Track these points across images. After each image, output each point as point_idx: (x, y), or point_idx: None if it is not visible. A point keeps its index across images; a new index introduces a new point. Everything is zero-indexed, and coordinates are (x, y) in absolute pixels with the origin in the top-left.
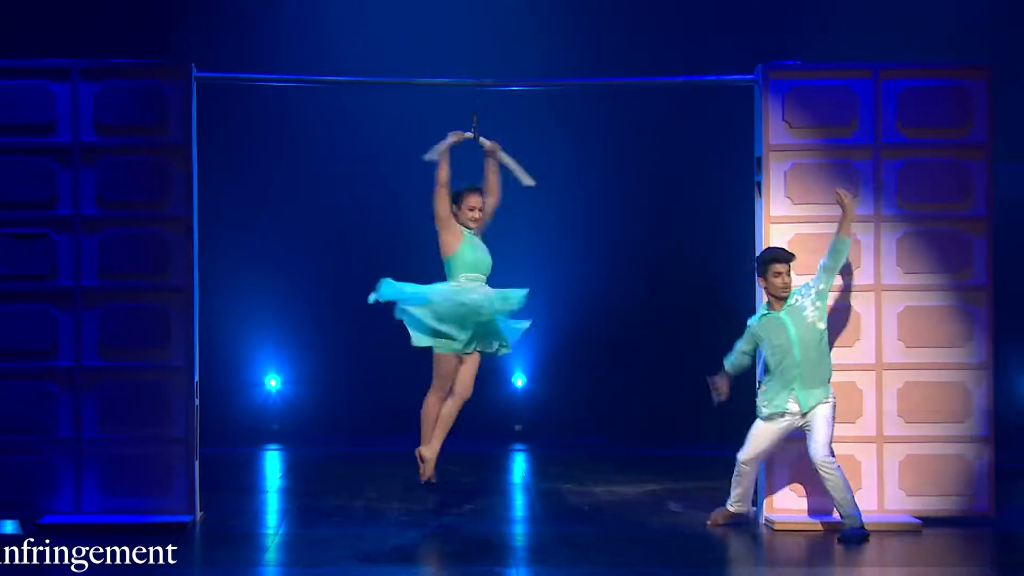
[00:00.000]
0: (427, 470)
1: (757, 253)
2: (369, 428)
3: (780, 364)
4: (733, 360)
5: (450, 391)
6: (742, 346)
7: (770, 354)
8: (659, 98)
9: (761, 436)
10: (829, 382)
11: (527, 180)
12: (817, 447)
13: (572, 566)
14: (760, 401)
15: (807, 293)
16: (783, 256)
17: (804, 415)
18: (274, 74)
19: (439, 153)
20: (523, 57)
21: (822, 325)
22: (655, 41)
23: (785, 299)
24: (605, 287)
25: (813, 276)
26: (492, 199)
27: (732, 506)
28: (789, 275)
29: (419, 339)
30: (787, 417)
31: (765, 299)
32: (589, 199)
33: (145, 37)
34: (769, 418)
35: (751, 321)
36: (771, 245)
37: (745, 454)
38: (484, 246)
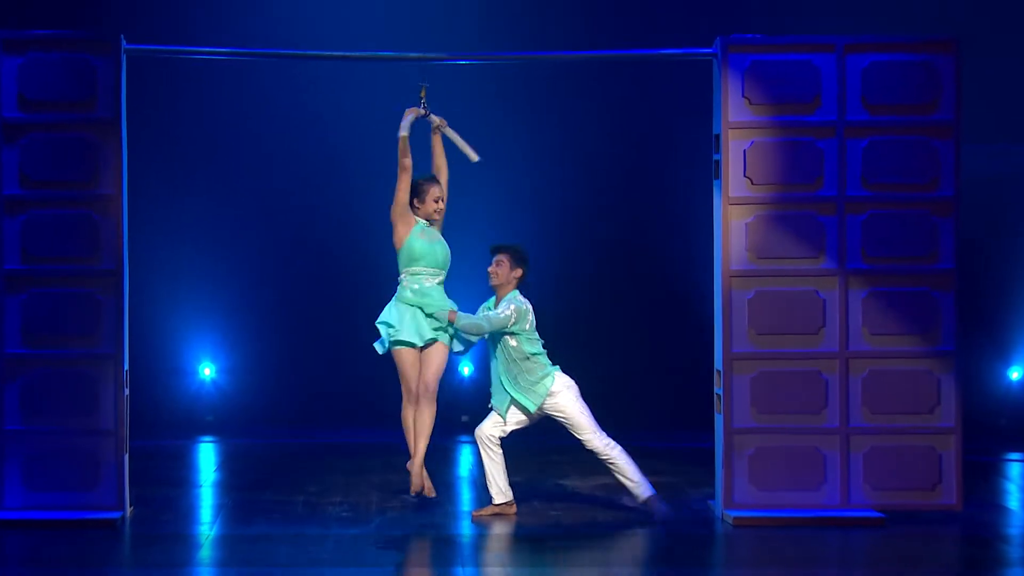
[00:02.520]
0: (413, 484)
1: (716, 236)
2: (309, 419)
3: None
4: None
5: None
6: None
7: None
8: (617, 74)
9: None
10: (543, 378)
11: (474, 156)
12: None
13: (519, 562)
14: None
15: (520, 317)
16: (493, 248)
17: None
18: (207, 47)
19: (406, 128)
20: (473, 31)
21: (515, 342)
22: (612, 14)
23: (498, 295)
24: (557, 274)
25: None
26: (443, 179)
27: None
28: (500, 266)
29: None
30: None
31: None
32: (542, 181)
33: (72, 7)
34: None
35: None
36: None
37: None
38: (440, 238)
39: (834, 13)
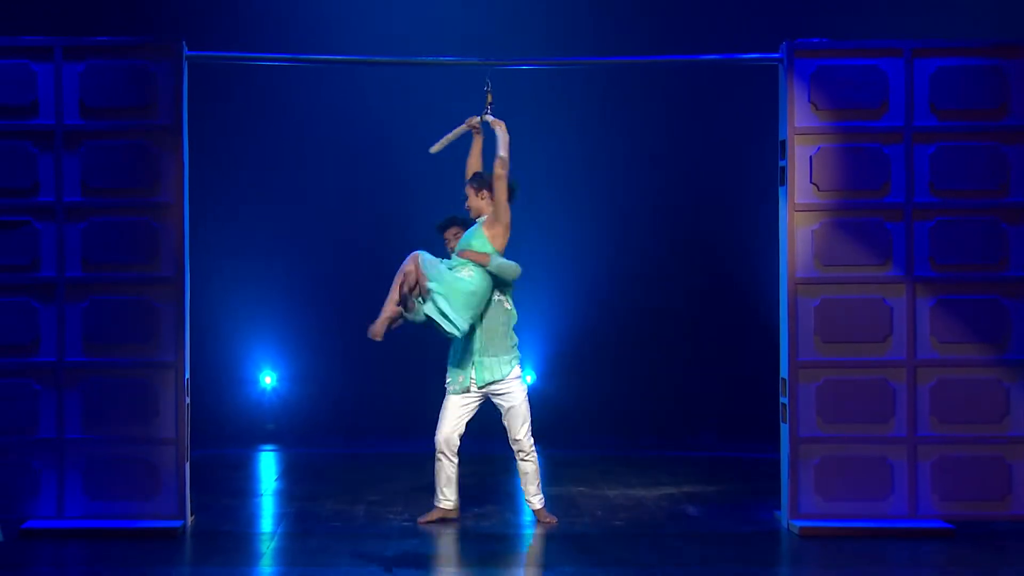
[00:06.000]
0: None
1: (781, 243)
2: (370, 428)
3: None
4: None
5: None
6: None
7: None
8: (679, 79)
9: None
10: (513, 358)
11: (501, 151)
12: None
13: (584, 571)
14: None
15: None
16: (443, 224)
17: (481, 389)
18: (270, 53)
19: (445, 142)
20: (534, 36)
21: (508, 305)
22: (676, 18)
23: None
24: (617, 281)
25: None
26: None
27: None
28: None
29: None
30: (471, 393)
31: None
32: (604, 188)
33: (133, 13)
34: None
35: None
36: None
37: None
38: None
39: (892, 14)
